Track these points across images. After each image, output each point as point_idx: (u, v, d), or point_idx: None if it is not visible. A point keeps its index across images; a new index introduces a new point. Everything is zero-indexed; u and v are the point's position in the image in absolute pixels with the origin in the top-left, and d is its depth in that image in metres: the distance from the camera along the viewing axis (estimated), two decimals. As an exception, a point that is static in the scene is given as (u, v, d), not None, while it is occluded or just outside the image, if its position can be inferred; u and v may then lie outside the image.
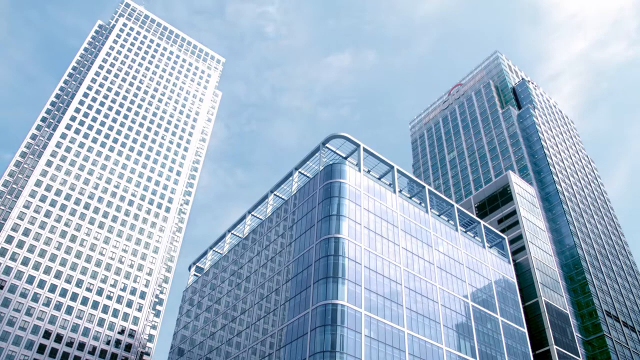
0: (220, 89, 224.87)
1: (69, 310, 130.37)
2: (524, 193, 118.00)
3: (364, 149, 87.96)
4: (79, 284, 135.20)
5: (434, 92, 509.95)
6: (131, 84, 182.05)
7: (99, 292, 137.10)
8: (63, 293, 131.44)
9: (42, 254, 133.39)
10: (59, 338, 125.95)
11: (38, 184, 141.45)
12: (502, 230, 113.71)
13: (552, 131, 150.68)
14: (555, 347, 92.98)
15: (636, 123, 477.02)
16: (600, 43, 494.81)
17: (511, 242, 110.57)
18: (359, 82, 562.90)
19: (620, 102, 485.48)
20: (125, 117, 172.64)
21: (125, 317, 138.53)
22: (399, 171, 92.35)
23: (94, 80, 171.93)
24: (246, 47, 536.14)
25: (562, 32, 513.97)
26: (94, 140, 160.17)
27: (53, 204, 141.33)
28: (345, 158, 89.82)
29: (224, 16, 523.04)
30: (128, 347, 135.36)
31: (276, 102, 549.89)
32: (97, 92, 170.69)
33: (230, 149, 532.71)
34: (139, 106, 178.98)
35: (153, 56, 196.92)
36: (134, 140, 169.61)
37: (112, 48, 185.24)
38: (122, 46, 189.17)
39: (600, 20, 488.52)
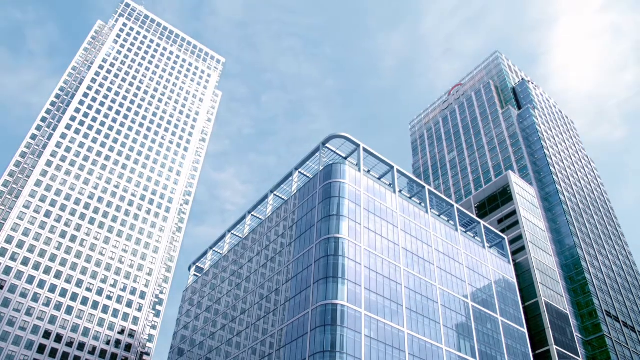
0: (220, 89, 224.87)
1: (69, 310, 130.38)
2: (524, 193, 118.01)
3: (364, 149, 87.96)
4: (79, 284, 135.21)
5: (434, 92, 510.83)
6: (131, 84, 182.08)
7: (99, 292, 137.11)
8: (63, 293, 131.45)
9: (42, 254, 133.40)
10: (59, 338, 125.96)
11: (38, 184, 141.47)
12: (502, 230, 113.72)
13: (552, 131, 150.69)
14: (555, 347, 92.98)
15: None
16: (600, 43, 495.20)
17: (511, 242, 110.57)
18: (360, 81, 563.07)
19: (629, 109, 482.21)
20: (125, 117, 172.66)
21: (125, 317, 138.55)
22: (399, 171, 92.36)
23: (94, 80, 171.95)
24: (246, 46, 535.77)
25: (562, 32, 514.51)
26: (94, 140, 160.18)
27: (53, 204, 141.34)
28: (345, 158, 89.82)
29: (223, 16, 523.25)
30: (128, 347, 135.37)
31: (276, 101, 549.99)
32: (97, 92, 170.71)
33: (230, 148, 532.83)
34: (139, 106, 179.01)
35: (153, 56, 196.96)
36: (134, 140, 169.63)
37: (112, 48, 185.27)
38: (122, 46, 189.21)
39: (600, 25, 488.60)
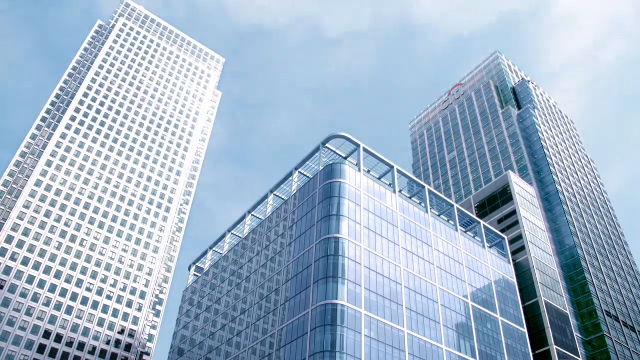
0: (220, 89, 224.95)
1: (69, 310, 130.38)
2: (524, 193, 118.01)
3: (364, 149, 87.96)
4: (79, 284, 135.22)
5: (434, 92, 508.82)
6: (131, 84, 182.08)
7: (99, 292, 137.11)
8: (63, 293, 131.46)
9: (42, 254, 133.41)
10: (59, 338, 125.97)
11: (38, 184, 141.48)
12: (502, 230, 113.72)
13: (552, 131, 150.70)
14: (555, 347, 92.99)
15: (636, 120, 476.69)
16: (600, 42, 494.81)
17: (511, 242, 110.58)
18: (359, 80, 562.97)
19: (621, 99, 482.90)
20: (125, 117, 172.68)
21: (125, 317, 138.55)
22: (399, 171, 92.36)
23: (94, 80, 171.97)
24: (246, 45, 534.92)
25: (561, 30, 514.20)
26: (94, 140, 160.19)
27: (53, 204, 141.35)
28: (345, 158, 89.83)
29: (224, 16, 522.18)
30: (128, 347, 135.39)
31: (276, 101, 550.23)
32: (97, 92, 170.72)
33: (230, 149, 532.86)
34: (139, 106, 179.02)
35: (153, 56, 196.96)
36: (134, 140, 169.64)
37: (112, 48, 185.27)
38: (122, 46, 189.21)
39: (599, 17, 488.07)
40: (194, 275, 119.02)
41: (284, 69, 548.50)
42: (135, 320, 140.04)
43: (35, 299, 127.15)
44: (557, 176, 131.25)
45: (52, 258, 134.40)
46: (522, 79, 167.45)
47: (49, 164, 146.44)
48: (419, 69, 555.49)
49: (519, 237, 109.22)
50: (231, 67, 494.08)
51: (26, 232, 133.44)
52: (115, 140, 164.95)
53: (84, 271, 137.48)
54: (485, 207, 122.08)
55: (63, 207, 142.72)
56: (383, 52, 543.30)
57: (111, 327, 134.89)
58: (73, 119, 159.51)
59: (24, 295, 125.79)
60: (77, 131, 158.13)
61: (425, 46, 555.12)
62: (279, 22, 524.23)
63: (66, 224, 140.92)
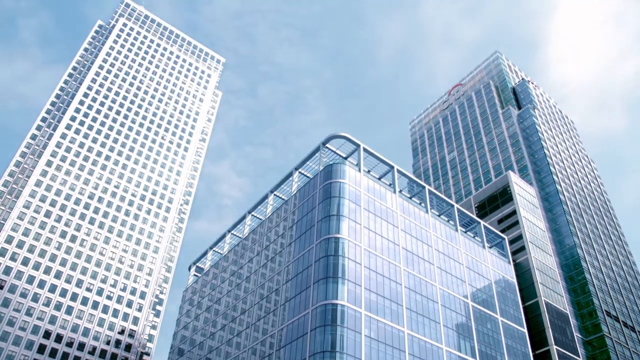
0: (220, 89, 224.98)
1: (69, 310, 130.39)
2: (524, 193, 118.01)
3: (364, 149, 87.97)
4: (79, 284, 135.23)
5: (433, 83, 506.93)
6: (131, 84, 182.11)
7: (99, 292, 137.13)
8: (63, 293, 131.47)
9: (42, 254, 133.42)
10: (59, 338, 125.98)
11: (38, 184, 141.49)
12: (502, 231, 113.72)
13: (552, 131, 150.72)
14: (555, 347, 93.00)
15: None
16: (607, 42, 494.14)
17: (511, 242, 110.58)
18: (357, 71, 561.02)
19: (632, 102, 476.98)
20: (126, 117, 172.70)
21: (125, 317, 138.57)
22: (399, 171, 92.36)
23: (94, 80, 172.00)
24: (243, 37, 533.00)
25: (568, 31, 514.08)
26: (94, 140, 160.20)
27: (53, 204, 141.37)
28: (345, 158, 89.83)
29: (219, 5, 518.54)
30: (128, 347, 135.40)
31: (273, 93, 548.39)
32: (97, 92, 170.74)
33: (226, 141, 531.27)
34: (139, 106, 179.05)
35: (153, 56, 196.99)
36: (134, 140, 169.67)
37: (112, 48, 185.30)
38: (122, 46, 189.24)
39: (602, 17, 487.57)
40: (194, 275, 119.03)
41: (274, 43, 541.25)
42: (135, 320, 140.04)
43: (35, 299, 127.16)
44: (557, 176, 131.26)
45: (52, 258, 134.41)
46: (522, 79, 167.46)
47: (49, 164, 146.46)
48: (418, 57, 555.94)
49: (519, 237, 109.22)
50: (228, 59, 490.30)
51: (26, 232, 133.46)
52: (115, 140, 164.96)
53: (84, 271, 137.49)
54: (485, 207, 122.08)
55: (63, 207, 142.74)
56: (381, 40, 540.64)
57: (111, 327, 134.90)
58: (73, 119, 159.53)
59: (24, 295, 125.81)
60: (77, 131, 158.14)
61: (426, 47, 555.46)
62: (276, 12, 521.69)
63: (66, 224, 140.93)
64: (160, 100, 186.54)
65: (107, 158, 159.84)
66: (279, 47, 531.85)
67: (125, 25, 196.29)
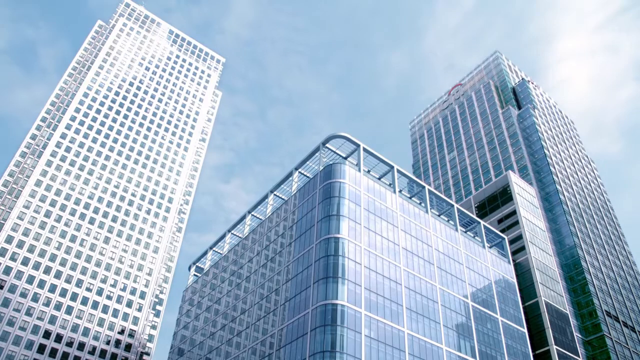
0: (220, 89, 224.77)
1: (69, 310, 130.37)
2: (524, 193, 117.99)
3: (364, 149, 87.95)
4: (79, 284, 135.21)
5: (434, 92, 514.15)
6: (131, 84, 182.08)
7: (99, 292, 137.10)
8: (63, 293, 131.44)
9: (42, 254, 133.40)
10: (59, 338, 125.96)
11: (38, 184, 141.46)
12: (502, 230, 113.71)
13: (552, 131, 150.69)
14: (555, 347, 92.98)
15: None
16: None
17: (511, 242, 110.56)
18: (363, 96, 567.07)
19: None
20: (125, 117, 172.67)
21: (125, 317, 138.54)
22: (399, 171, 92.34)
23: (93, 80, 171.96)
24: (253, 63, 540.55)
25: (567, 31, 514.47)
26: (94, 140, 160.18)
27: (53, 204, 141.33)
28: (345, 158, 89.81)
29: (231, 33, 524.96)
30: (128, 347, 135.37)
31: (282, 115, 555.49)
32: (97, 92, 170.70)
33: (235, 161, 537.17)
34: (139, 106, 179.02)
35: (153, 56, 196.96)
36: (134, 140, 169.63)
37: (112, 48, 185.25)
38: (122, 46, 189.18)
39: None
40: (194, 275, 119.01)
41: (284, 69, 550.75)
42: (135, 320, 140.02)
43: (35, 299, 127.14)
44: (557, 176, 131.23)
45: (52, 258, 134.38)
46: (522, 79, 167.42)
47: (49, 164, 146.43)
48: (421, 85, 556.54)
49: (519, 237, 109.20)
50: (238, 83, 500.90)
51: (26, 232, 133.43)
52: (115, 140, 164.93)
53: (84, 271, 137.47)
54: (485, 207, 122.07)
55: (63, 207, 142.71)
56: (386, 69, 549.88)
57: (111, 327, 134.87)
58: (73, 119, 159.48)
59: (24, 295, 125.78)
60: (77, 131, 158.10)
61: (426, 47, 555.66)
62: (286, 40, 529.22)
63: (66, 224, 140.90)
64: (160, 100, 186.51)
65: (107, 158, 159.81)
66: (288, 73, 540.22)
67: (125, 25, 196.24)
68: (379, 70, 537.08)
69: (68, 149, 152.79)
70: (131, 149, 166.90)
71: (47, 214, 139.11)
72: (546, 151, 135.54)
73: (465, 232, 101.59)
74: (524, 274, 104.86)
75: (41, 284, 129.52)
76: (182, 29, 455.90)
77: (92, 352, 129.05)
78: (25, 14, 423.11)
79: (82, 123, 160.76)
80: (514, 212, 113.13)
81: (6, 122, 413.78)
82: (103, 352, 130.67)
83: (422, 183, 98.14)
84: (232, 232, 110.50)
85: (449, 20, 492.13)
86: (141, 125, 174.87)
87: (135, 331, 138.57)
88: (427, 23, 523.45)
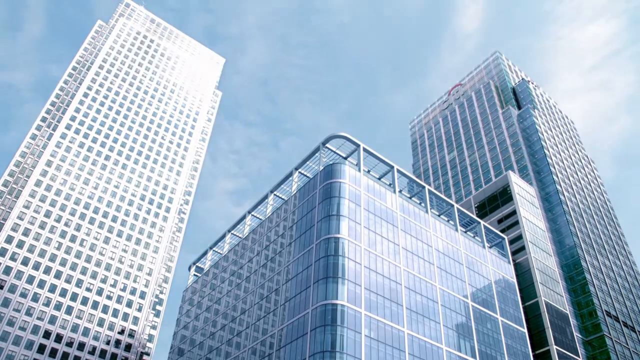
0: (220, 89, 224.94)
1: (69, 310, 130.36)
2: (524, 193, 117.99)
3: (364, 149, 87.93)
4: (79, 284, 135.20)
5: (434, 92, 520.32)
6: (131, 84, 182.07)
7: (99, 292, 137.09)
8: (63, 293, 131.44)
9: (42, 254, 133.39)
10: (59, 338, 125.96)
11: (38, 184, 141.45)
12: (502, 230, 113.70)
13: (552, 131, 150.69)
14: (555, 347, 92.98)
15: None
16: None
17: (511, 242, 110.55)
18: (372, 130, 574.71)
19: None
20: (125, 116, 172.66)
21: (125, 317, 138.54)
22: (399, 171, 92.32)
23: (94, 80, 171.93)
24: (268, 99, 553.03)
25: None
26: (94, 140, 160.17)
27: (53, 204, 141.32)
28: (345, 158, 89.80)
29: (247, 74, 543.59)
30: (128, 347, 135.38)
31: (294, 146, 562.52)
32: (97, 92, 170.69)
33: (249, 186, 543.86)
34: (139, 106, 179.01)
35: (153, 56, 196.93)
36: (134, 140, 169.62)
37: (112, 48, 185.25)
38: (122, 46, 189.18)
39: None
40: (194, 275, 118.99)
41: (269, 23, 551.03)
42: (135, 320, 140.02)
43: (35, 299, 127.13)
44: (557, 176, 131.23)
45: (52, 258, 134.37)
46: (522, 79, 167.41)
47: (49, 164, 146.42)
48: (420, 69, 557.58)
49: (519, 237, 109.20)
50: (253, 117, 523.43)
51: (26, 232, 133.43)
52: (115, 140, 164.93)
53: (84, 271, 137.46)
54: (485, 207, 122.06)
55: (63, 207, 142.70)
56: (392, 107, 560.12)
57: (111, 327, 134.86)
58: (73, 119, 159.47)
59: (24, 295, 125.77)
60: (77, 131, 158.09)
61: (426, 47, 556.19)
62: (300, 79, 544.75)
63: (66, 224, 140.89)
64: (160, 100, 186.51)
65: (107, 158, 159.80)
66: (300, 108, 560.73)
67: (125, 25, 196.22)
68: (385, 107, 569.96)
69: (68, 149, 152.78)
70: (131, 149, 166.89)
71: (47, 214, 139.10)
72: (546, 151, 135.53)
73: (465, 232, 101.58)
74: (524, 274, 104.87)
75: (41, 284, 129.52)
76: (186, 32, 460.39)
77: (92, 352, 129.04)
78: (26, 14, 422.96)
79: (82, 123, 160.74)
80: (514, 212, 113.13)
81: (6, 122, 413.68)
82: (103, 352, 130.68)
83: (422, 183, 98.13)
84: (232, 232, 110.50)
85: (452, 61, 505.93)
86: (141, 125, 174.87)
87: (135, 331, 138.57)
88: (431, 65, 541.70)
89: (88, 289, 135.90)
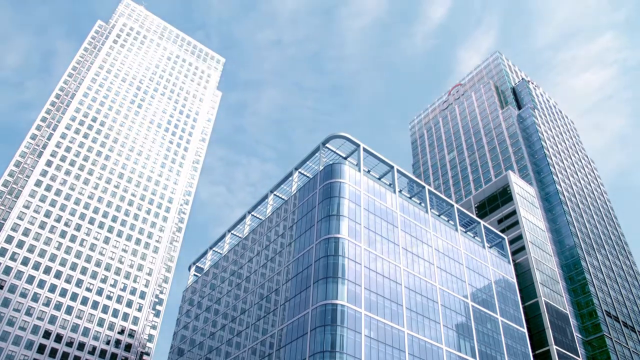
0: (220, 89, 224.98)
1: (69, 310, 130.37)
2: (524, 193, 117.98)
3: (364, 149, 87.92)
4: (79, 284, 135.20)
5: (434, 92, 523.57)
6: (131, 84, 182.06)
7: (99, 292, 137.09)
8: (63, 293, 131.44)
9: (42, 254, 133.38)
10: (59, 338, 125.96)
11: (38, 184, 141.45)
12: (502, 231, 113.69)
13: (552, 131, 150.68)
14: (555, 347, 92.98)
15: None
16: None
17: (511, 242, 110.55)
18: (359, 80, 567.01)
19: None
20: (125, 116, 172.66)
21: (125, 317, 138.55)
22: (398, 171, 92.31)
23: (94, 80, 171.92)
24: (282, 136, 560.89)
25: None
26: (94, 140, 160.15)
27: (53, 204, 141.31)
28: (345, 158, 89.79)
29: (265, 123, 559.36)
30: (128, 347, 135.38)
31: (290, 139, 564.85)
32: (97, 92, 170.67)
33: (246, 181, 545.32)
34: (139, 106, 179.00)
35: (153, 56, 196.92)
36: (134, 140, 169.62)
37: (112, 48, 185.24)
38: (122, 46, 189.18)
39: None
40: (194, 275, 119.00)
41: (284, 69, 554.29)
42: (135, 320, 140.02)
43: (35, 299, 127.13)
44: (557, 176, 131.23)
45: (52, 258, 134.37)
46: (522, 79, 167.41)
47: (49, 164, 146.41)
48: (420, 69, 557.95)
49: (519, 237, 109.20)
50: (269, 154, 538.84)
51: (26, 232, 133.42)
52: (115, 140, 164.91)
53: (84, 271, 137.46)
54: (485, 207, 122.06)
55: (63, 207, 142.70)
56: (399, 145, 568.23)
57: (111, 327, 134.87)
58: (73, 119, 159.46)
59: (24, 295, 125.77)
60: (77, 131, 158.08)
61: (426, 47, 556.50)
62: (312, 120, 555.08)
63: (66, 224, 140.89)
64: (160, 100, 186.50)
65: (107, 158, 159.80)
66: (312, 146, 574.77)
67: (125, 25, 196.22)
68: (393, 145, 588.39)
69: (68, 149, 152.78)
70: (131, 149, 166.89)
71: (47, 214, 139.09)
72: (546, 151, 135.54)
73: (465, 232, 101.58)
74: (524, 274, 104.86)
75: (41, 284, 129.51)
76: (185, 31, 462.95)
77: (92, 352, 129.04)
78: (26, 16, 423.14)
79: (82, 123, 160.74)
80: (514, 212, 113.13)
81: (6, 122, 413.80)
82: (103, 352, 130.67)
83: (422, 183, 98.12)
84: (232, 232, 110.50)
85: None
86: (141, 124, 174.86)
87: (135, 331, 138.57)
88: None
89: (88, 289, 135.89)
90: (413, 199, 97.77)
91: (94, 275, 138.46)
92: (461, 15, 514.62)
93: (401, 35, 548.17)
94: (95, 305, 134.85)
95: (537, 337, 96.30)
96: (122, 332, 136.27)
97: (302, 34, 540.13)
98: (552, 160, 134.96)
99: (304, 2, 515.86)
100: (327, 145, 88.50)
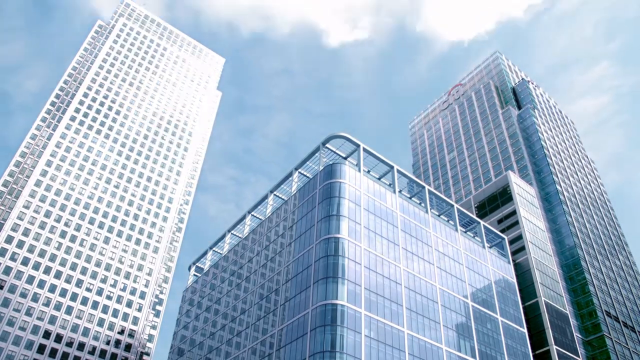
0: (220, 89, 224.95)
1: (69, 310, 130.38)
2: (524, 193, 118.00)
3: (364, 149, 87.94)
4: (79, 284, 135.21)
5: (434, 92, 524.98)
6: (131, 84, 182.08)
7: (99, 292, 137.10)
8: (63, 293, 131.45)
9: (42, 254, 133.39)
10: (59, 338, 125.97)
11: (38, 184, 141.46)
12: (502, 231, 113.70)
13: (552, 131, 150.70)
14: (555, 347, 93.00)
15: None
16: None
17: (511, 242, 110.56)
18: (359, 79, 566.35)
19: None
20: (125, 116, 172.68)
21: (125, 317, 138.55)
22: (398, 171, 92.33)
23: (94, 80, 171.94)
24: (246, 46, 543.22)
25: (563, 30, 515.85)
26: (94, 140, 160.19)
27: (53, 204, 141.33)
28: (345, 158, 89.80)
29: (273, 145, 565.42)
30: (128, 347, 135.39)
31: (276, 101, 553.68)
32: (97, 92, 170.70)
33: (230, 148, 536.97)
34: (139, 106, 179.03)
35: (153, 56, 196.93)
36: (134, 140, 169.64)
37: (112, 48, 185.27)
38: (122, 46, 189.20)
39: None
40: (194, 275, 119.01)
41: (284, 69, 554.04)
42: (135, 320, 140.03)
43: (35, 299, 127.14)
44: (557, 176, 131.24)
45: (52, 258, 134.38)
46: (522, 79, 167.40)
47: (49, 164, 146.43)
48: (419, 70, 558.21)
49: (519, 237, 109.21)
50: (278, 174, 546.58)
51: (26, 232, 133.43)
52: (115, 140, 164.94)
53: (84, 271, 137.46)
54: (485, 207, 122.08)
55: (63, 207, 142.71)
56: (384, 53, 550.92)
57: (111, 327, 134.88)
58: (73, 119, 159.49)
59: (24, 295, 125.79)
60: (77, 131, 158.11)
61: (426, 48, 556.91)
62: (280, 24, 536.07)
63: (66, 224, 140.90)
64: (160, 100, 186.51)
65: (107, 158, 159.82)
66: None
67: (125, 25, 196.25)
68: (393, 145, 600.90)
69: (68, 149, 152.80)
70: (131, 149, 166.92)
71: (47, 214, 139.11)
72: (546, 151, 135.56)
73: (465, 232, 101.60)
74: (524, 274, 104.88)
75: (41, 284, 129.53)
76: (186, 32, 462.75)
77: (92, 352, 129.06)
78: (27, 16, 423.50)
79: (82, 123, 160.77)
80: (514, 212, 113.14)
81: (6, 122, 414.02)
82: (103, 352, 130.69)
83: (422, 183, 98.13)
84: (232, 232, 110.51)
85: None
86: (141, 125, 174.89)
87: (135, 331, 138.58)
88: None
89: (88, 289, 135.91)
90: (413, 199, 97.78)
91: (94, 275, 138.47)
92: (461, 49, 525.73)
93: (404, 63, 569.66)
94: (95, 305, 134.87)
95: (537, 337, 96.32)
96: (122, 332, 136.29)
97: (311, 66, 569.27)
98: (552, 160, 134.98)
99: (310, 37, 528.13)
100: (327, 145, 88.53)
